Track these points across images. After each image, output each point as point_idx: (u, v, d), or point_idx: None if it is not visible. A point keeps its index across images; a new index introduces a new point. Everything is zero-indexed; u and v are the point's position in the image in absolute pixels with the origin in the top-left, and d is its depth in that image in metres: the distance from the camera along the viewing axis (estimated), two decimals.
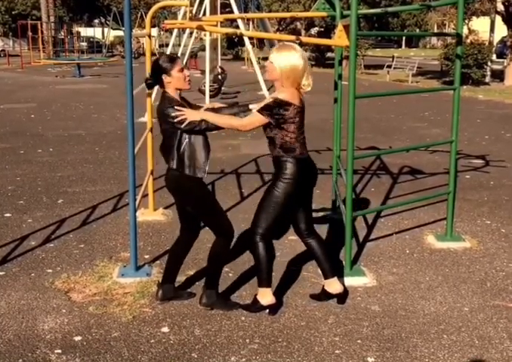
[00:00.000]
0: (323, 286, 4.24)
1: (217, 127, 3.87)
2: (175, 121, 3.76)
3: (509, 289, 4.49)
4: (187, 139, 3.83)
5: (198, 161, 3.86)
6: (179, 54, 17.81)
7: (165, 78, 3.86)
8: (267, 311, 4.04)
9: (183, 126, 3.76)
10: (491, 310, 4.14)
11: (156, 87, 4.21)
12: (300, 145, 3.91)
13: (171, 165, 3.89)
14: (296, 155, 3.89)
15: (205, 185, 4.01)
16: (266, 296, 4.02)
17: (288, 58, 3.78)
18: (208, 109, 4.05)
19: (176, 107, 3.78)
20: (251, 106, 4.09)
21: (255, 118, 3.84)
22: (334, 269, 4.24)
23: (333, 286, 4.17)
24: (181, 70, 3.87)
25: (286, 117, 3.81)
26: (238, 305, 4.14)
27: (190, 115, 3.76)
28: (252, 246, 3.99)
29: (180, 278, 4.47)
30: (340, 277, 4.43)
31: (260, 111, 3.81)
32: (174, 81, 3.87)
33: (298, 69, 3.79)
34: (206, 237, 4.54)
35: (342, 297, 4.21)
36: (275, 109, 3.78)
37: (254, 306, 4.04)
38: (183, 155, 3.83)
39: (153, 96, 6.64)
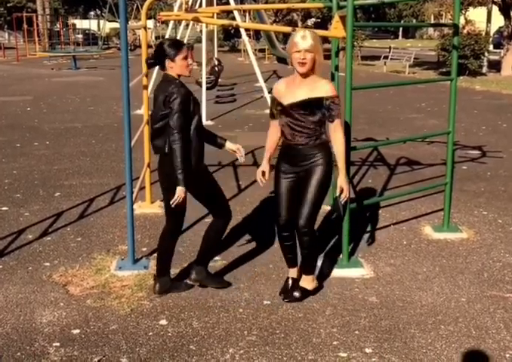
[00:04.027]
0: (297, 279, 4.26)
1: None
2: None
3: (506, 279, 4.50)
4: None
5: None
6: None
7: (168, 63, 3.91)
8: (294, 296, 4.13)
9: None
10: (488, 300, 4.16)
11: (152, 81, 4.22)
12: None
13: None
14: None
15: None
16: (313, 282, 4.17)
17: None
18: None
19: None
20: None
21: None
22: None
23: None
24: (185, 58, 3.92)
25: None
26: (229, 283, 4.26)
27: None
28: (314, 238, 4.02)
29: (175, 270, 4.48)
30: (331, 270, 4.55)
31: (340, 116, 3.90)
32: (176, 68, 3.92)
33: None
34: (202, 228, 4.52)
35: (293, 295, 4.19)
36: None
37: (306, 294, 4.12)
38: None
39: (149, 88, 6.62)
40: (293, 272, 4.24)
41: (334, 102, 3.83)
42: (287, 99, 3.88)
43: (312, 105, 3.83)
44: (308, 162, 3.93)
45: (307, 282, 4.14)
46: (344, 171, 3.93)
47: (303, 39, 3.75)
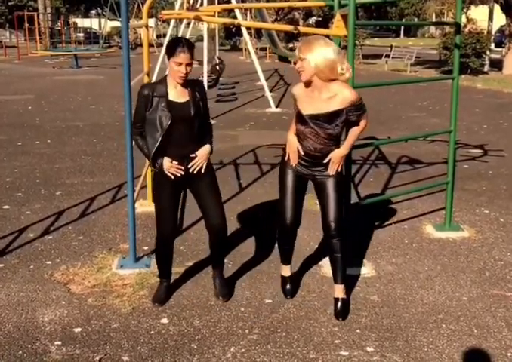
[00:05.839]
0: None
1: None
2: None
3: (507, 278, 4.50)
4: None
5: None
6: None
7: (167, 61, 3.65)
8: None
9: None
10: (490, 299, 4.15)
11: (153, 80, 4.20)
12: None
13: None
14: None
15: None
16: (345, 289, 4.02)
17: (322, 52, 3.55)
18: None
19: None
20: None
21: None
22: None
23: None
24: (178, 64, 3.55)
25: None
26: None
27: None
28: (345, 240, 3.88)
29: (179, 269, 4.48)
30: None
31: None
32: (170, 69, 3.65)
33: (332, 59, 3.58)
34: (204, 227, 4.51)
35: None
36: None
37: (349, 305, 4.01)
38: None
39: None
40: (287, 269, 4.16)
41: (356, 106, 3.67)
42: (305, 109, 3.69)
43: (332, 119, 3.65)
44: (322, 166, 3.81)
45: (344, 291, 3.96)
46: (348, 147, 3.84)
47: (300, 46, 3.58)
